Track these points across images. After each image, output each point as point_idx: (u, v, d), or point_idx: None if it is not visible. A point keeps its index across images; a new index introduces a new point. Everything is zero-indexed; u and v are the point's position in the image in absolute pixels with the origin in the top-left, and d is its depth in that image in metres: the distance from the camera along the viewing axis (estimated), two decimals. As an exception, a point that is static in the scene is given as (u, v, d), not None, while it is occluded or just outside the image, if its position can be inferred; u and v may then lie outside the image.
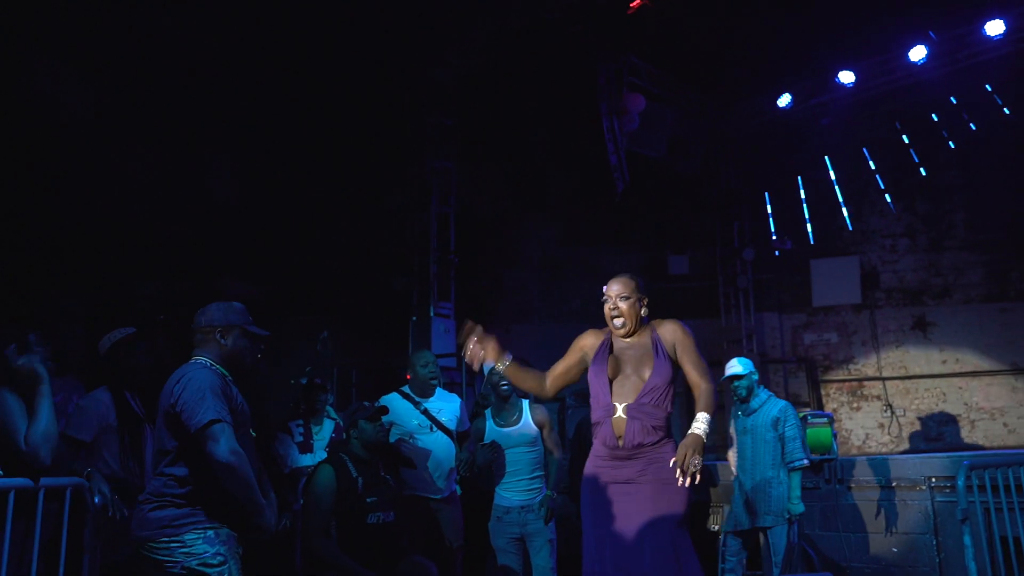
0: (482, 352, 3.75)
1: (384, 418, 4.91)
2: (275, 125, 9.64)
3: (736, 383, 5.69)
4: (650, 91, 9.60)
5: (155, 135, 9.63)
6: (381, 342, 9.74)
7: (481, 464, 5.23)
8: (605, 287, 3.84)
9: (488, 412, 5.37)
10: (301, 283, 9.87)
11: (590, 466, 3.76)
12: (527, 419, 5.22)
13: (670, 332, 3.75)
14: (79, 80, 8.52)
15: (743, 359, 5.82)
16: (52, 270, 9.15)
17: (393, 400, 5.46)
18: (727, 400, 10.36)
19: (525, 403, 5.29)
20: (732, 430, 5.91)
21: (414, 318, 9.13)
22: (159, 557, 3.10)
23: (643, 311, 3.79)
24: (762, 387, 5.82)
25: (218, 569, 3.11)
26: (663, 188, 11.12)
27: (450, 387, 7.62)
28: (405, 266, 9.50)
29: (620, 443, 3.63)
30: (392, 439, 5.22)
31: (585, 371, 3.84)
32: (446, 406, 5.52)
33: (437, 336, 8.93)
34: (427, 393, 5.50)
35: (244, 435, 3.28)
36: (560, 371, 3.86)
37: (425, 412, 5.41)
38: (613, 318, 3.77)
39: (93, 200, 9.28)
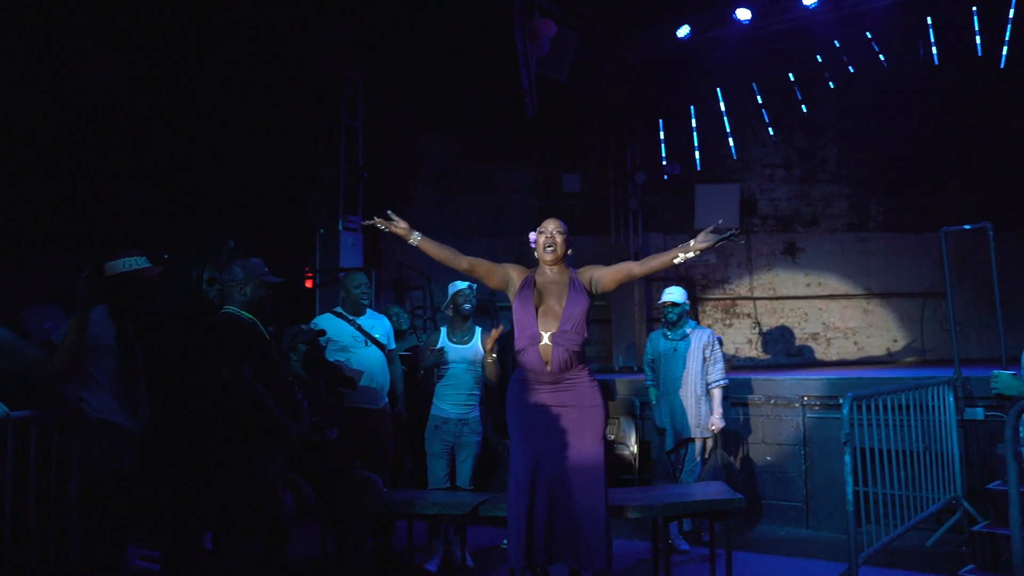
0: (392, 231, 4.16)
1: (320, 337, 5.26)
2: (177, 22, 9.28)
3: (671, 308, 6.20)
4: (559, 15, 9.80)
5: (36, 24, 9.10)
6: (287, 254, 9.79)
7: (427, 366, 5.62)
8: (540, 226, 4.30)
9: (444, 329, 5.73)
10: (204, 190, 9.70)
11: (516, 390, 4.20)
12: (476, 341, 5.63)
13: (587, 271, 4.27)
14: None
15: (681, 289, 6.34)
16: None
17: (327, 319, 5.77)
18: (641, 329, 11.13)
19: (478, 328, 5.69)
20: (653, 355, 6.36)
21: (321, 231, 9.20)
22: None
23: (568, 251, 4.28)
24: (688, 317, 6.34)
25: None
26: (562, 109, 11.41)
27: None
28: (312, 177, 9.48)
29: (548, 367, 4.08)
30: (329, 356, 5.50)
31: (493, 284, 4.28)
32: (377, 323, 5.86)
33: (345, 249, 9.07)
34: (359, 312, 5.80)
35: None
36: (483, 265, 4.25)
37: (359, 328, 5.72)
38: (547, 247, 4.22)
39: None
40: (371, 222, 4.22)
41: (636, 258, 11.52)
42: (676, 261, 4.09)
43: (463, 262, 4.21)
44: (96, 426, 3.78)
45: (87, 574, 3.67)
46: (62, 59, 9.43)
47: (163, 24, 9.30)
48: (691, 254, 4.08)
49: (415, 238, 4.16)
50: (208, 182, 9.74)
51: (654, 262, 4.17)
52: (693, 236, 11.88)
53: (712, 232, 4.04)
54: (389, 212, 4.20)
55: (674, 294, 6.25)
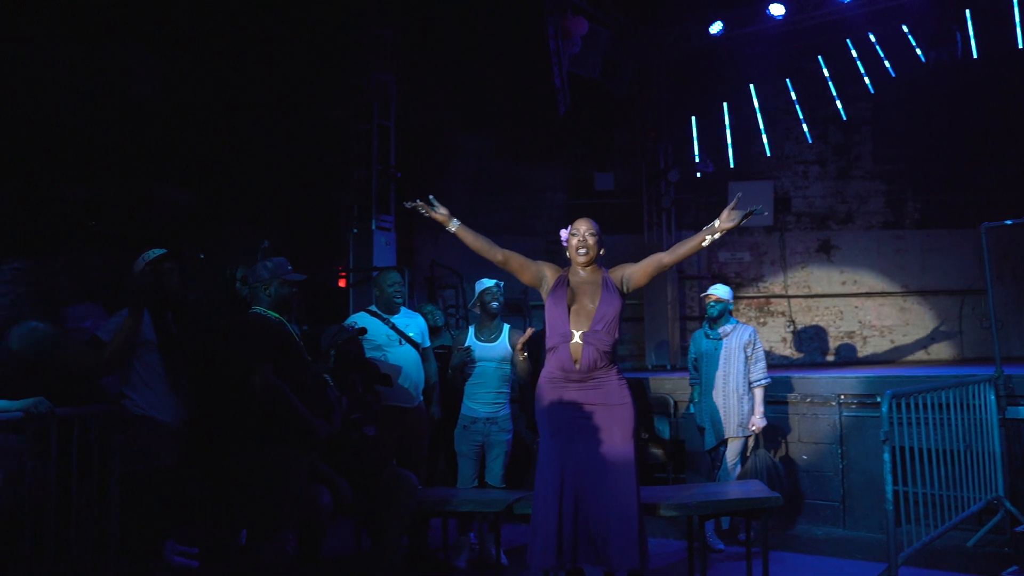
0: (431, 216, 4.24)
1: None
2: (212, 23, 9.39)
3: (714, 303, 6.16)
4: (591, 13, 9.77)
5: (75, 25, 9.23)
6: (321, 253, 9.85)
7: (454, 365, 5.65)
8: (572, 225, 4.35)
9: (472, 328, 5.75)
10: (239, 191, 9.78)
11: (545, 387, 4.22)
12: (504, 339, 5.64)
13: (618, 269, 4.30)
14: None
15: (727, 287, 6.31)
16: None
17: (361, 317, 5.81)
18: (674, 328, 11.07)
19: (506, 326, 5.70)
20: (696, 354, 6.33)
21: (355, 230, 9.26)
22: None
23: (601, 251, 4.31)
24: (731, 315, 6.30)
25: None
26: (594, 107, 11.38)
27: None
28: (345, 177, 9.54)
29: (577, 366, 4.11)
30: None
31: (526, 279, 4.32)
32: (411, 322, 5.88)
33: (379, 248, 9.10)
34: (392, 310, 5.83)
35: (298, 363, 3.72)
36: (517, 259, 4.29)
37: (393, 327, 5.74)
38: (579, 249, 4.26)
39: (9, 96, 8.89)
40: (413, 204, 4.26)
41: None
42: (704, 244, 4.10)
43: (498, 254, 4.24)
44: (139, 423, 3.84)
45: (127, 569, 3.73)
46: (100, 60, 9.57)
47: (199, 26, 9.41)
48: (718, 235, 4.08)
49: (453, 225, 4.22)
50: (243, 183, 9.83)
51: (682, 249, 4.17)
52: (727, 234, 11.86)
53: (734, 209, 4.02)
54: (431, 197, 4.24)
55: (719, 290, 6.25)
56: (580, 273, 4.27)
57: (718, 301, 6.17)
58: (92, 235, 8.94)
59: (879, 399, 4.77)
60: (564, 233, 4.38)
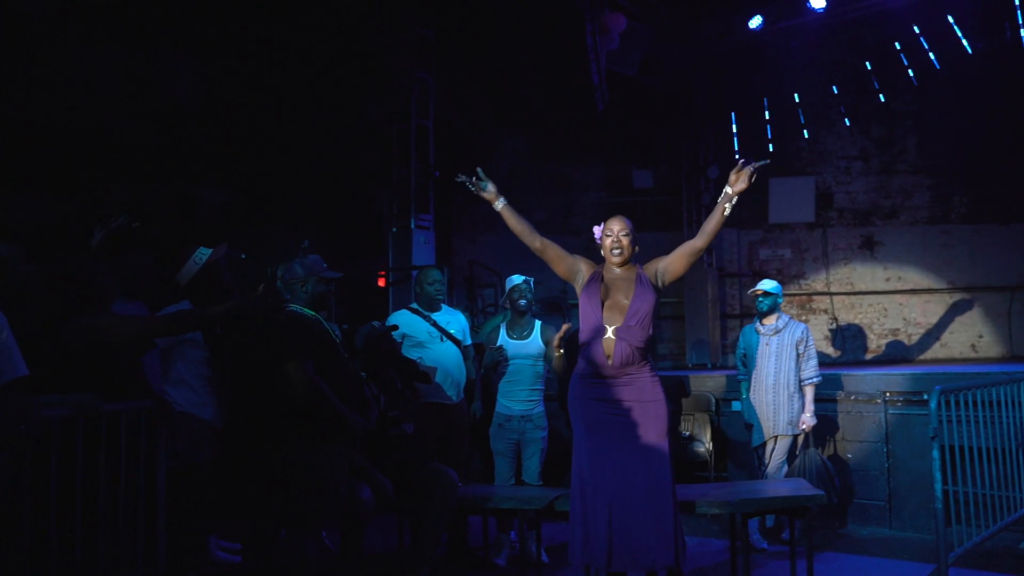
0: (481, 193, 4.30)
1: (395, 332, 5.31)
2: (251, 26, 9.48)
3: (764, 298, 6.11)
4: (629, 9, 9.72)
5: (115, 30, 9.37)
6: (360, 253, 9.91)
7: (487, 364, 5.66)
8: (605, 224, 4.34)
9: (503, 325, 5.75)
10: (279, 191, 9.88)
11: (578, 384, 4.22)
12: (536, 336, 5.63)
13: (652, 264, 4.28)
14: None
15: (775, 281, 6.27)
16: (15, 175, 8.94)
17: (403, 315, 5.83)
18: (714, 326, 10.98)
19: (538, 322, 5.69)
20: (744, 351, 6.26)
21: (394, 229, 9.30)
22: None
23: (635, 249, 4.30)
24: (782, 311, 6.23)
25: None
26: (632, 104, 11.31)
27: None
28: (384, 177, 9.59)
29: (609, 362, 4.09)
30: (405, 352, 5.53)
31: (560, 271, 4.34)
32: (453, 319, 5.89)
33: (417, 247, 9.14)
34: (434, 308, 5.83)
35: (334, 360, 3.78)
36: (554, 249, 4.30)
37: (434, 324, 5.75)
38: (613, 250, 4.26)
39: (53, 100, 9.05)
40: (463, 179, 4.31)
41: (708, 254, 11.39)
42: (726, 213, 4.13)
43: (536, 241, 4.26)
44: (178, 419, 3.88)
45: (172, 564, 3.77)
46: (140, 64, 9.71)
47: (237, 28, 9.50)
48: (735, 199, 4.11)
49: (500, 203, 4.28)
50: (283, 183, 9.91)
51: (709, 226, 4.18)
52: (768, 231, 11.62)
53: (741, 170, 4.04)
54: (479, 170, 4.28)
55: (768, 284, 6.19)
56: (614, 270, 4.27)
57: (766, 295, 6.10)
58: (135, 235, 9.07)
59: (926, 396, 4.68)
60: (598, 231, 4.36)
